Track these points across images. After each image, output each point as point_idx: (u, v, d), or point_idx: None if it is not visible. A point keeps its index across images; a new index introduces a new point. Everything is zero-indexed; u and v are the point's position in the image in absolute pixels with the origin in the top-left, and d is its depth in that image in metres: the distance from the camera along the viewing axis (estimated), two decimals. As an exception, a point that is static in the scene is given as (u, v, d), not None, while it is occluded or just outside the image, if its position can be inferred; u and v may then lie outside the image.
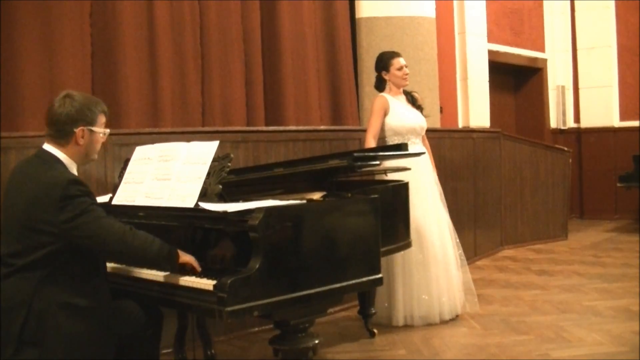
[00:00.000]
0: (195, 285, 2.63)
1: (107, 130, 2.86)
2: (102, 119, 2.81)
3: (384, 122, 4.66)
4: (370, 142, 4.56)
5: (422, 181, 4.65)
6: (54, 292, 2.55)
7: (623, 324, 4.41)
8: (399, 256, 4.48)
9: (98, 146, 2.83)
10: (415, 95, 4.88)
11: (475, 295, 4.89)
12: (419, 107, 4.81)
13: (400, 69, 4.73)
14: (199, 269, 2.77)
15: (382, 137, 4.70)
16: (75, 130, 2.71)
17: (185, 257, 2.78)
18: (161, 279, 2.79)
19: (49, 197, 2.55)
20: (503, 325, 4.52)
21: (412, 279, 4.56)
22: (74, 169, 2.76)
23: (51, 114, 2.72)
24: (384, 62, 4.76)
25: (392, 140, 4.65)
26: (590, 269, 6.31)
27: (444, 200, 4.83)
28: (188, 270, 2.76)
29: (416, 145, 4.67)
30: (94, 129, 2.76)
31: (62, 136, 2.71)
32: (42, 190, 2.58)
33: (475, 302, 4.86)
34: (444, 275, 4.66)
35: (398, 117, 4.66)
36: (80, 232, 2.56)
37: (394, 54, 4.79)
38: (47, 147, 2.73)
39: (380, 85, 4.81)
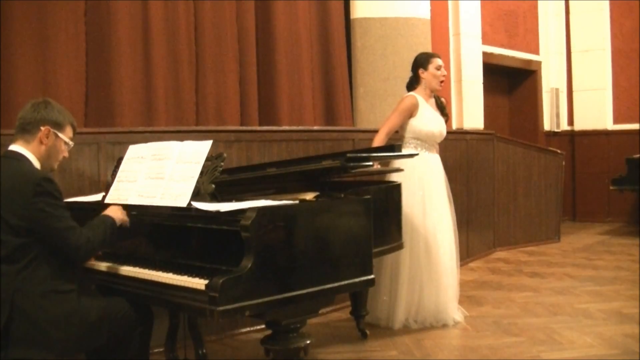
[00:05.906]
0: (187, 285, 2.63)
1: (72, 143, 2.90)
2: (69, 130, 2.87)
3: (407, 123, 4.53)
4: (382, 139, 4.42)
5: (435, 186, 4.60)
6: (33, 284, 2.59)
7: (614, 326, 4.42)
8: (405, 261, 4.47)
9: (60, 156, 2.87)
10: (444, 101, 4.76)
11: None
12: (445, 115, 4.70)
13: (438, 68, 4.59)
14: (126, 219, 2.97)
15: (394, 137, 4.60)
16: (42, 127, 2.76)
17: (113, 214, 2.92)
18: (153, 278, 2.78)
19: (22, 190, 2.60)
20: (495, 327, 4.53)
21: (414, 284, 4.50)
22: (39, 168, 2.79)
23: (23, 110, 2.80)
24: (422, 59, 4.63)
25: (408, 142, 4.56)
26: (582, 271, 6.33)
27: (452, 204, 4.76)
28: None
29: (432, 151, 4.61)
30: (60, 134, 2.81)
31: (28, 131, 2.77)
32: (15, 184, 2.62)
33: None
34: (453, 283, 4.63)
35: (424, 121, 4.54)
36: (48, 234, 2.62)
37: (433, 54, 4.70)
38: (14, 146, 2.79)
39: (412, 84, 4.67)
